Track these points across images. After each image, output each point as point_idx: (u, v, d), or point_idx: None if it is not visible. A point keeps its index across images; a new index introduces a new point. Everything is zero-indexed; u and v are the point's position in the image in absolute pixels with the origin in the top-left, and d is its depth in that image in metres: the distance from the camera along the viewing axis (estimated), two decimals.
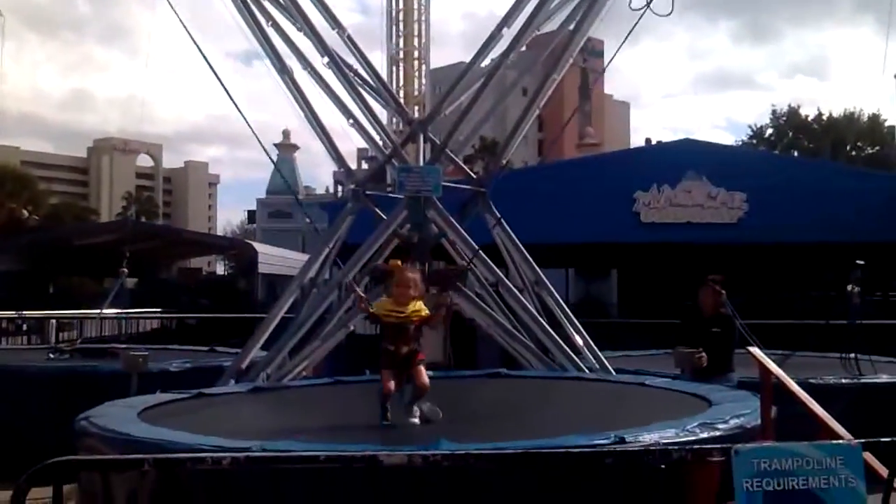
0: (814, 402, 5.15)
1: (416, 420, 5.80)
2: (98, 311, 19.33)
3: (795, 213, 18.79)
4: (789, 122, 61.22)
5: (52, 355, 13.03)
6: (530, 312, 9.63)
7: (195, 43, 10.02)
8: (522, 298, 9.84)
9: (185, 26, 9.83)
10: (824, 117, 61.02)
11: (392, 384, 5.70)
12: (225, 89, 10.15)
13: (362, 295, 6.59)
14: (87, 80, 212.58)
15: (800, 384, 5.64)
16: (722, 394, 6.52)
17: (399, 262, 8.14)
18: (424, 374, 5.83)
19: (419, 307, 5.86)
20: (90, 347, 14.37)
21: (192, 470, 3.95)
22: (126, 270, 16.39)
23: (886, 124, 59.12)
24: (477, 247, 9.78)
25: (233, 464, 3.56)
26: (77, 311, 22.38)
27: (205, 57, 10.10)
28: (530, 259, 10.25)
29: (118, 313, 20.03)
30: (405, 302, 5.80)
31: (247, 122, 10.29)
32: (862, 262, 10.44)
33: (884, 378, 10.06)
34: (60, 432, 5.96)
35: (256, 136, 10.58)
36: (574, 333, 9.75)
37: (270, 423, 6.74)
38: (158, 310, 25.64)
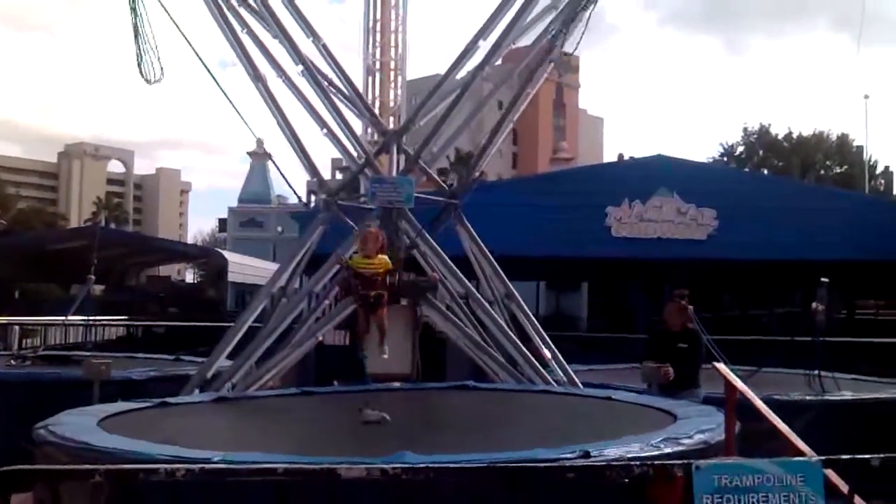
0: (777, 418, 5.19)
1: (386, 356, 7.75)
2: (63, 317, 19.04)
3: (765, 231, 18.98)
4: (760, 141, 61.93)
5: (13, 362, 12.81)
6: (500, 325, 9.63)
7: (191, 46, 9.96)
8: (492, 311, 9.83)
9: (178, 27, 9.77)
10: (794, 136, 61.81)
11: (367, 325, 7.68)
12: (216, 82, 10.08)
13: (341, 256, 8.53)
14: (59, 84, 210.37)
15: (764, 400, 5.68)
16: (687, 409, 6.55)
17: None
18: (382, 312, 7.73)
19: (384, 260, 7.77)
20: (52, 354, 14.13)
21: (147, 481, 3.87)
22: (93, 277, 16.18)
23: (855, 144, 60.02)
24: (450, 262, 9.77)
25: (188, 475, 3.49)
26: (42, 318, 22.02)
27: (200, 58, 10.02)
28: (501, 272, 10.25)
29: (83, 320, 19.72)
30: (373, 255, 7.70)
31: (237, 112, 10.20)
32: (827, 280, 10.55)
33: (847, 395, 10.16)
34: (20, 440, 5.85)
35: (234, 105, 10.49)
36: (543, 347, 9.76)
37: (233, 434, 6.67)
38: (125, 317, 25.32)
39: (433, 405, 8.00)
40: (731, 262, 19.95)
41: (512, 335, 9.57)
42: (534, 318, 10.19)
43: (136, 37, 9.93)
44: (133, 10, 9.92)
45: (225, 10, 10.09)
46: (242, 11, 10.42)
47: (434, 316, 9.46)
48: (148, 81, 10.04)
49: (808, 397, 9.75)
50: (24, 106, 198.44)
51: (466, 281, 10.01)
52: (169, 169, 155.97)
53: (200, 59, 10.18)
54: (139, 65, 9.96)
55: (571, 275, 27.24)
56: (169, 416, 7.04)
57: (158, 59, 9.96)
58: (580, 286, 29.32)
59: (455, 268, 9.87)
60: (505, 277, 10.24)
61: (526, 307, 10.26)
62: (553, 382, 9.11)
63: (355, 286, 7.73)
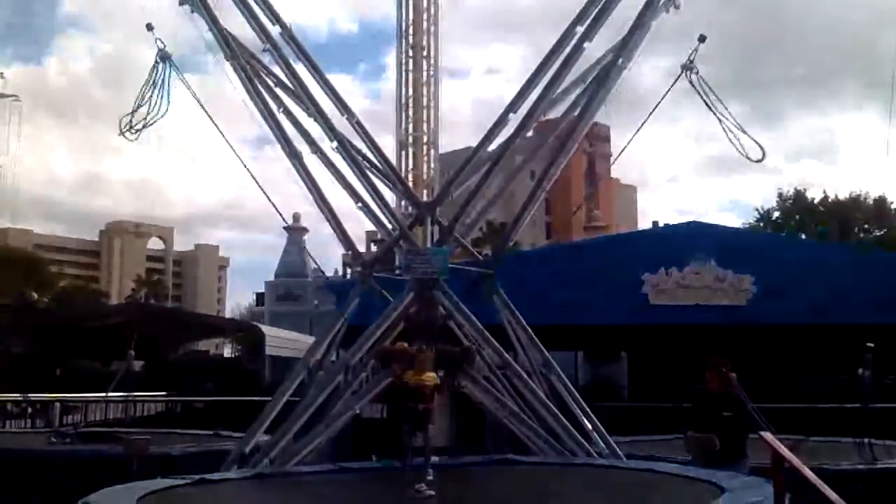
0: (829, 489, 5.03)
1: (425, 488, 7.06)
2: (103, 394, 19.18)
3: (804, 295, 18.71)
4: (796, 205, 61.42)
5: (53, 439, 12.88)
6: (539, 396, 9.51)
7: (217, 128, 10.26)
8: (531, 382, 9.73)
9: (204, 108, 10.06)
10: (830, 199, 61.27)
11: (412, 439, 7.54)
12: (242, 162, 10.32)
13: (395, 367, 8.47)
14: (101, 164, 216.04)
15: (813, 470, 5.52)
16: (734, 481, 6.38)
17: (406, 345, 8.18)
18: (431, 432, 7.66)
19: (433, 376, 7.87)
20: (93, 431, 14.21)
21: None
22: (133, 353, 16.33)
23: (893, 206, 59.27)
24: (486, 332, 9.73)
25: None
26: (82, 395, 22.18)
27: (225, 137, 10.29)
28: (538, 342, 10.18)
29: (123, 396, 19.84)
30: (422, 372, 7.80)
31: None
32: (872, 345, 10.33)
33: None
34: None
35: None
36: (583, 417, 9.61)
37: None
38: (164, 393, 25.41)
39: (474, 480, 7.87)
40: (772, 327, 19.61)
41: (551, 406, 9.45)
42: (573, 389, 10.06)
43: (139, 98, 10.32)
44: (151, 82, 10.32)
45: (262, 90, 10.36)
46: (278, 91, 10.70)
47: (472, 387, 9.38)
48: (124, 136, 10.41)
49: (859, 466, 9.45)
50: (65, 185, 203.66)
51: (503, 351, 9.95)
52: (207, 245, 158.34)
53: (230, 145, 10.51)
54: (126, 120, 10.31)
55: (610, 343, 26.90)
56: (207, 493, 7.02)
57: (147, 125, 10.33)
58: (620, 355, 28.93)
59: (492, 339, 9.82)
60: (542, 347, 10.16)
61: (564, 377, 10.14)
62: (595, 455, 8.94)
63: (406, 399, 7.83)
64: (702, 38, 10.85)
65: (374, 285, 10.21)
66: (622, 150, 10.51)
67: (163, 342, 38.75)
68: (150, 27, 10.37)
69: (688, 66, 10.98)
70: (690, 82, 10.90)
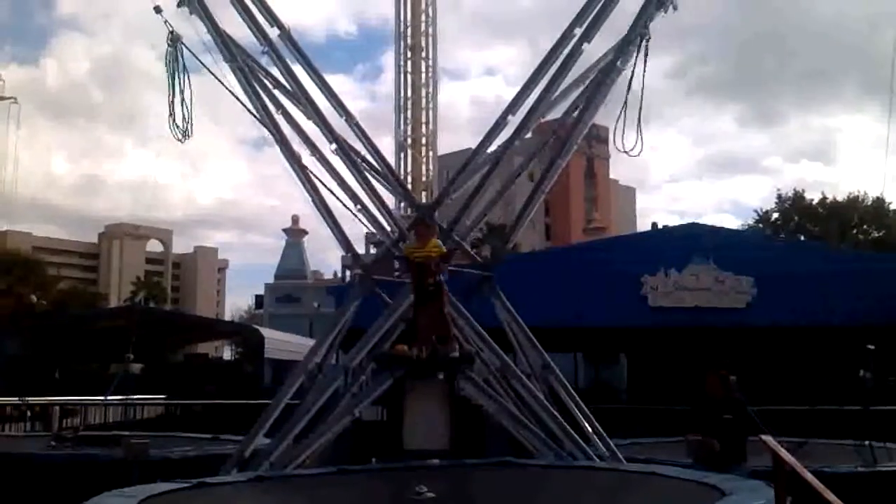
0: (829, 492, 5.01)
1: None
2: (102, 397, 19.16)
3: (804, 297, 18.70)
4: (794, 207, 61.44)
5: (53, 443, 12.86)
6: (538, 399, 9.49)
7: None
8: (530, 384, 9.71)
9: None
10: (828, 201, 61.29)
11: (425, 321, 7.72)
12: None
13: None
14: (99, 166, 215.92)
15: (814, 473, 5.50)
16: (735, 483, 6.36)
17: (405, 348, 8.10)
18: (444, 310, 7.75)
19: (436, 243, 7.95)
20: (92, 435, 14.18)
21: None
22: (132, 356, 16.31)
23: (892, 207, 59.27)
24: (486, 334, 9.72)
25: None
26: (81, 398, 22.15)
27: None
28: (537, 344, 10.16)
29: (123, 399, 19.82)
30: (424, 244, 7.85)
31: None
32: (873, 347, 10.32)
33: None
34: None
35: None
36: (583, 420, 9.59)
37: None
38: (163, 396, 25.40)
39: (473, 483, 7.85)
40: (772, 329, 19.61)
41: (551, 409, 9.43)
42: (573, 391, 10.04)
43: (170, 94, 10.25)
44: (170, 71, 10.26)
45: (261, 92, 10.35)
46: (277, 93, 10.68)
47: (471, 390, 9.35)
48: (178, 139, 10.34)
49: (860, 469, 9.43)
50: (64, 187, 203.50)
51: (503, 354, 9.93)
52: (206, 247, 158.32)
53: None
54: (170, 123, 10.26)
55: (609, 345, 26.94)
56: (207, 497, 6.99)
57: (189, 117, 10.26)
58: (619, 357, 28.96)
59: (491, 340, 9.80)
60: (542, 349, 10.14)
61: (564, 379, 10.12)
62: (595, 457, 8.92)
63: (412, 277, 7.80)
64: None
65: (373, 288, 10.19)
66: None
67: (162, 345, 38.77)
68: (157, 10, 10.27)
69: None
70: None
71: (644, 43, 9.92)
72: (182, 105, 10.27)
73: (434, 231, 8.04)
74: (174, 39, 10.36)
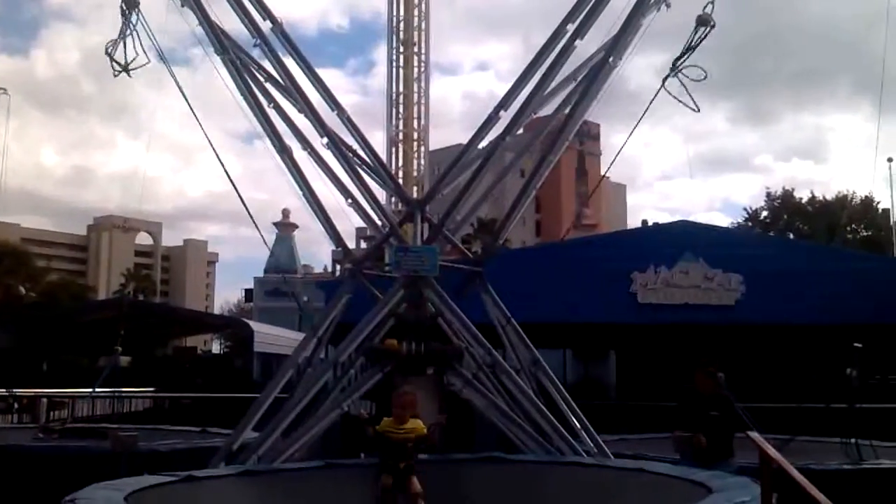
0: (815, 489, 5.05)
1: None
2: (90, 389, 19.10)
3: (792, 295, 18.79)
4: (784, 205, 61.75)
5: (40, 435, 12.82)
6: (527, 394, 9.52)
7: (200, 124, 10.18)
8: (519, 380, 9.74)
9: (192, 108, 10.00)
10: (817, 200, 61.61)
11: (390, 481, 6.07)
12: (221, 162, 10.28)
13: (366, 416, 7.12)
14: (89, 158, 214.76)
15: (800, 470, 5.54)
16: (722, 480, 6.40)
17: (395, 342, 8.08)
18: (417, 483, 6.12)
19: (417, 424, 6.33)
20: (79, 427, 14.14)
21: None
22: (120, 349, 16.27)
23: (880, 207, 59.59)
24: (476, 330, 9.74)
25: None
26: (69, 390, 22.08)
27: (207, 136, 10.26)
28: (527, 339, 10.19)
29: (111, 392, 19.76)
30: (404, 421, 6.29)
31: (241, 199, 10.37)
32: (860, 345, 10.38)
33: (885, 463, 9.88)
34: None
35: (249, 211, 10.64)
36: (571, 416, 9.63)
37: None
38: (151, 389, 25.34)
39: (461, 478, 7.87)
40: (760, 327, 19.69)
41: (540, 404, 9.46)
42: (561, 387, 10.08)
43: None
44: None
45: (252, 85, 10.33)
46: (269, 86, 10.67)
47: (460, 385, 9.38)
48: (121, 65, 10.20)
49: (845, 466, 9.50)
50: (53, 179, 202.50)
51: (493, 349, 9.95)
52: (196, 240, 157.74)
53: (212, 145, 10.40)
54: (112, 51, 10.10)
55: (599, 342, 26.97)
56: (195, 490, 6.99)
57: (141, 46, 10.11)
58: (608, 353, 29.01)
59: (481, 336, 9.82)
60: (531, 344, 10.17)
61: (553, 376, 10.15)
62: (583, 453, 8.95)
63: (381, 454, 6.39)
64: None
65: (363, 282, 10.19)
66: (621, 148, 10.23)
67: (151, 338, 38.65)
68: None
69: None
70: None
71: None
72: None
73: (414, 405, 6.58)
74: (129, 5, 10.21)
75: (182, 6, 10.21)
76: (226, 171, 10.69)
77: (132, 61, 10.26)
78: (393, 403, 6.47)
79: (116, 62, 10.26)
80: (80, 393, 20.94)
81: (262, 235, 10.54)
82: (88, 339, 34.11)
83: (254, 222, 11.25)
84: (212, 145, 10.83)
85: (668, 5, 10.24)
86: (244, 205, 10.64)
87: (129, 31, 10.17)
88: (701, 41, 10.12)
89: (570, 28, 10.30)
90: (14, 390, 21.55)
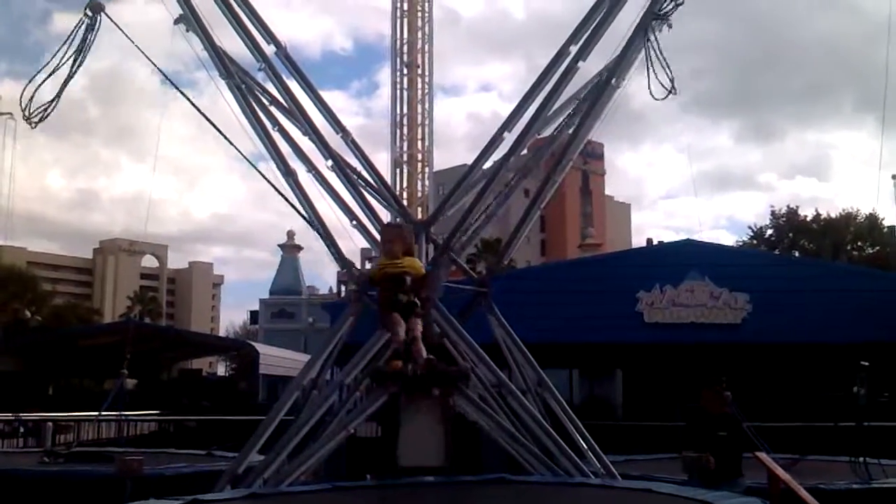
0: None
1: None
2: (96, 413, 19.09)
3: (799, 314, 18.74)
4: (788, 223, 61.71)
5: (46, 459, 12.80)
6: (534, 415, 9.49)
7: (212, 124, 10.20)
8: (526, 401, 9.71)
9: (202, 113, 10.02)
10: (822, 217, 61.56)
11: (402, 329, 6.42)
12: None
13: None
14: (94, 181, 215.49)
15: (809, 490, 5.51)
16: (730, 500, 6.35)
17: (400, 364, 8.07)
18: (420, 325, 6.53)
19: (412, 261, 6.61)
20: (85, 451, 14.11)
21: None
22: (126, 372, 16.27)
23: (885, 224, 59.49)
24: (481, 351, 9.72)
25: None
26: (75, 414, 22.07)
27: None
28: (533, 360, 10.16)
29: (116, 415, 19.76)
30: (397, 255, 6.54)
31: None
32: (867, 364, 10.34)
33: (895, 482, 9.81)
34: None
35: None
36: (578, 437, 9.58)
37: None
38: (157, 412, 25.32)
39: (467, 499, 7.83)
40: (767, 346, 19.64)
41: (546, 425, 9.42)
42: (568, 408, 10.04)
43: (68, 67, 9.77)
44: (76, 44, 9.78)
45: (257, 109, 10.38)
46: (273, 109, 10.72)
47: (466, 406, 9.34)
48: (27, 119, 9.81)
49: (854, 486, 9.42)
50: (59, 202, 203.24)
51: (498, 370, 9.92)
52: (202, 263, 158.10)
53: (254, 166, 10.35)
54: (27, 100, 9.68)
55: (605, 361, 26.91)
56: None
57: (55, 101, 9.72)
58: (614, 373, 28.93)
59: (487, 357, 9.79)
60: (537, 365, 10.14)
61: (560, 396, 10.13)
62: (590, 474, 8.90)
63: (381, 292, 6.64)
64: None
65: (369, 303, 10.19)
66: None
67: (156, 361, 38.66)
68: None
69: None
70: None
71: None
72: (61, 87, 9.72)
73: (409, 241, 6.87)
74: (94, 9, 9.78)
75: (187, 31, 10.27)
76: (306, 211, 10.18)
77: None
78: (381, 239, 6.79)
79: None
80: (86, 416, 20.93)
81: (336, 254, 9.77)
82: (94, 363, 34.15)
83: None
84: (253, 165, 10.84)
85: (669, 26, 10.28)
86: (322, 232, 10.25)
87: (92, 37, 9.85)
88: None
89: (573, 50, 10.35)
90: (20, 414, 21.57)
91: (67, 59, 9.79)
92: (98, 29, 9.79)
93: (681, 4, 9.90)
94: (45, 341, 36.75)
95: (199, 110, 10.32)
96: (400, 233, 6.72)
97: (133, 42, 9.96)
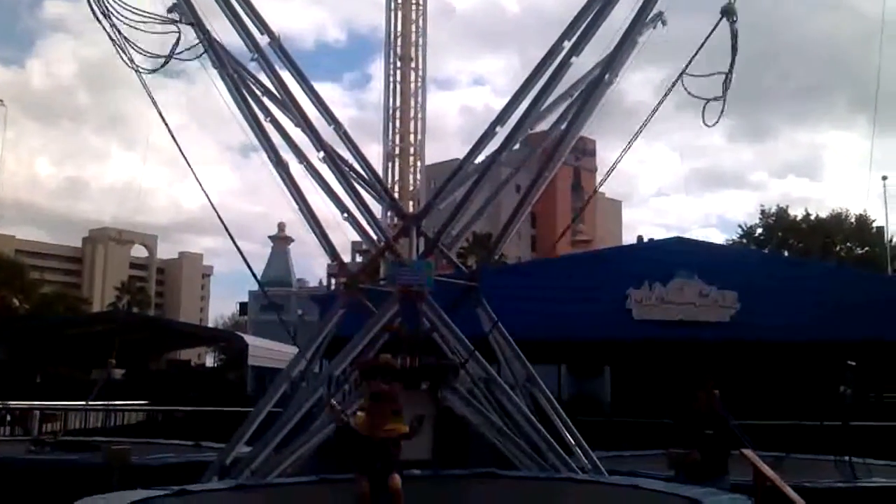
0: None
1: None
2: (83, 402, 19.03)
3: (787, 313, 18.81)
4: (778, 222, 61.88)
5: (33, 447, 12.75)
6: (522, 410, 9.51)
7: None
8: (514, 396, 9.73)
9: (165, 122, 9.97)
10: (812, 217, 61.76)
11: (367, 486, 5.70)
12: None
13: (338, 408, 6.51)
14: (84, 169, 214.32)
15: (794, 488, 5.54)
16: (716, 497, 6.39)
17: (389, 357, 8.08)
18: (398, 479, 5.78)
19: (397, 425, 5.88)
20: (72, 440, 14.07)
21: None
22: (114, 361, 16.23)
23: (874, 225, 59.72)
24: (471, 345, 9.73)
25: None
26: (62, 403, 21.99)
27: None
28: (522, 356, 10.18)
29: (104, 405, 19.69)
30: (386, 417, 5.86)
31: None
32: (854, 363, 10.39)
33: (879, 481, 9.87)
34: None
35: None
36: (566, 432, 9.61)
37: None
38: (145, 402, 25.24)
39: (455, 493, 7.85)
40: (755, 343, 19.71)
41: (534, 421, 9.45)
42: (556, 403, 10.07)
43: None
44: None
45: (249, 99, 10.35)
46: (265, 100, 10.69)
47: (455, 401, 9.36)
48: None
49: (839, 484, 9.48)
50: (48, 190, 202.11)
51: (487, 365, 9.95)
52: (191, 253, 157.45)
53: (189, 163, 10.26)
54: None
55: (594, 358, 26.95)
56: None
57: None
58: (603, 369, 28.99)
59: (476, 351, 9.81)
60: (526, 361, 10.16)
61: (548, 391, 10.15)
62: (577, 469, 8.94)
63: (357, 447, 5.93)
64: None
65: (359, 297, 10.18)
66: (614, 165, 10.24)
67: (145, 351, 38.53)
68: None
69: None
70: None
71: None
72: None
73: (394, 399, 6.04)
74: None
75: (180, 20, 10.21)
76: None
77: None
78: (371, 392, 5.98)
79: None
80: (73, 405, 20.86)
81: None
82: (82, 352, 34.00)
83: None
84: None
85: (664, 23, 10.30)
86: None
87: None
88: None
89: (567, 45, 10.36)
90: (7, 402, 21.47)
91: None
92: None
93: (662, 17, 9.97)
94: (32, 329, 36.57)
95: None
96: (391, 394, 5.99)
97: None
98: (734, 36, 9.92)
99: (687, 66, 9.60)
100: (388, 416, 5.87)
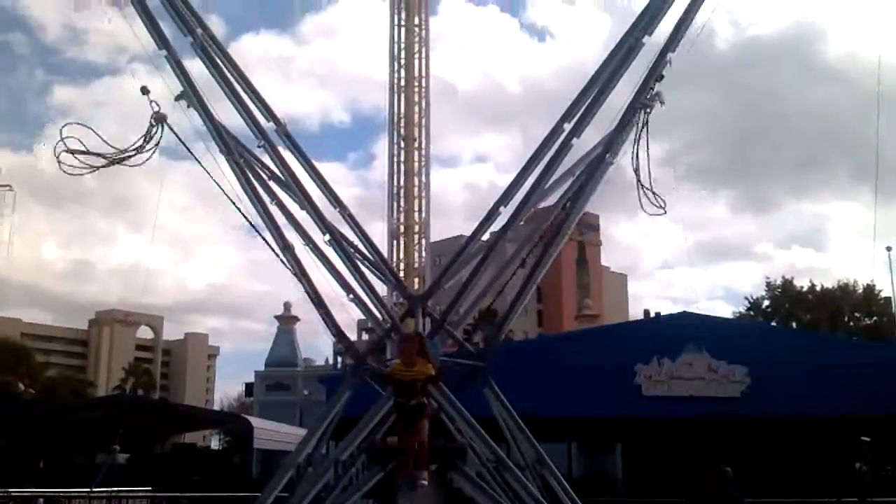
0: None
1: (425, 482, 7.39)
2: (88, 488, 18.77)
3: (799, 387, 18.63)
4: (784, 294, 61.71)
5: None
6: (532, 492, 9.34)
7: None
8: (523, 477, 9.56)
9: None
10: (818, 288, 61.58)
11: (406, 437, 7.34)
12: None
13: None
14: (90, 252, 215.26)
15: None
16: None
17: (398, 440, 8.01)
18: (425, 431, 7.33)
19: (424, 367, 7.42)
20: None
21: None
22: (118, 447, 16.07)
23: (882, 295, 59.48)
24: (479, 427, 9.62)
25: None
26: (66, 489, 21.69)
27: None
28: (531, 436, 10.04)
29: (108, 491, 19.42)
30: (412, 361, 7.41)
31: None
32: (868, 439, 10.25)
33: None
34: None
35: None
36: None
37: None
38: (149, 487, 24.89)
39: None
40: (766, 419, 19.46)
41: (545, 503, 9.26)
42: (567, 485, 9.88)
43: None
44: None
45: (255, 183, 10.45)
46: (271, 183, 10.80)
47: (464, 483, 9.20)
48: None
49: None
50: (54, 273, 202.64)
51: (496, 446, 9.80)
52: (197, 334, 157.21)
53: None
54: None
55: (604, 435, 26.62)
56: None
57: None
58: (614, 446, 28.60)
59: (484, 433, 9.68)
60: (535, 442, 10.01)
61: (558, 473, 9.98)
62: None
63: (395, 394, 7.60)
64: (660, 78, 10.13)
65: (366, 379, 10.11)
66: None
67: (149, 434, 38.16)
68: (144, 90, 10.24)
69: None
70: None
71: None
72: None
73: (417, 346, 7.70)
74: (158, 119, 10.28)
75: (188, 107, 10.40)
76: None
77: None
78: (399, 348, 7.71)
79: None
80: (77, 492, 20.58)
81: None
82: (86, 437, 33.68)
83: None
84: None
85: (662, 102, 10.45)
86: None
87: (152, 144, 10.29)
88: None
89: (567, 127, 10.49)
90: (9, 490, 21.18)
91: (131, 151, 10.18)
92: (161, 136, 10.23)
93: (660, 97, 10.14)
94: (36, 414, 36.29)
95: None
96: (412, 339, 7.79)
97: (193, 154, 10.26)
98: (645, 126, 10.10)
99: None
100: (414, 356, 7.39)
